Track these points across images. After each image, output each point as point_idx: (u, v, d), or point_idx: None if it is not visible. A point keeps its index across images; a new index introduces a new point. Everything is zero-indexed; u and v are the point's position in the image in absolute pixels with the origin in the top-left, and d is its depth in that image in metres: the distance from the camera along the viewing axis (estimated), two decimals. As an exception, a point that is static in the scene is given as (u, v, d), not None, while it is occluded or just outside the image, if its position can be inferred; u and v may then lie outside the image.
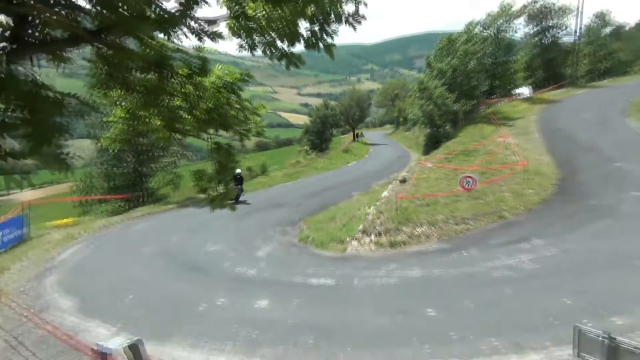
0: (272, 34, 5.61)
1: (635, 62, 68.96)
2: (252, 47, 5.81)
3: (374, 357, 8.57)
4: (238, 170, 27.42)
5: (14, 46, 4.05)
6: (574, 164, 24.40)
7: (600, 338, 5.17)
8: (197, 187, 6.04)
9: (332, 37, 5.55)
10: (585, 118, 34.35)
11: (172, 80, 5.62)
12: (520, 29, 69.34)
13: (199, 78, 5.85)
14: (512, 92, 52.36)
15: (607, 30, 69.31)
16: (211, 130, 6.06)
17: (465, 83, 42.97)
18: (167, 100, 5.86)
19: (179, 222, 23.88)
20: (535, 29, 61.09)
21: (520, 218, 18.74)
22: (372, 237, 18.99)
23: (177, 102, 5.97)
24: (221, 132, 6.29)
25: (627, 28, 79.25)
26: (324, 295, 12.70)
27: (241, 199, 28.59)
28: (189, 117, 5.95)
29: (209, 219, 21.78)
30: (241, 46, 5.87)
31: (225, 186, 5.89)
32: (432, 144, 41.32)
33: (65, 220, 24.42)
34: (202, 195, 5.92)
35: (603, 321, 9.10)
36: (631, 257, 12.84)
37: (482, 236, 17.40)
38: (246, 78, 6.49)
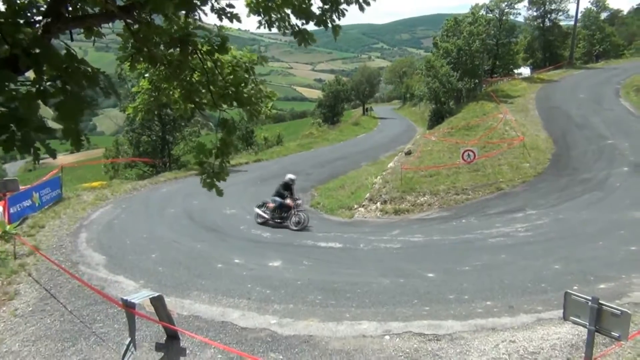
0: (288, 11, 5.47)
1: (628, 46, 67.27)
2: (269, 25, 5.67)
3: (376, 315, 8.55)
4: (290, 176, 17.37)
5: (52, 20, 3.98)
6: (569, 140, 23.99)
7: (587, 302, 5.08)
8: (195, 159, 5.92)
9: (340, 17, 5.38)
10: (580, 97, 33.66)
11: (194, 55, 5.51)
12: (522, 13, 67.65)
13: (219, 55, 5.72)
14: (513, 71, 51.36)
15: (603, 15, 67.62)
16: (225, 106, 5.94)
17: (469, 62, 42.18)
18: (188, 75, 5.78)
19: (200, 187, 23.90)
20: (536, 13, 59.60)
21: (517, 189, 18.54)
22: (378, 204, 18.93)
23: (197, 77, 5.87)
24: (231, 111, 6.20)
25: (621, 14, 77.33)
26: (332, 257, 12.70)
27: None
28: (206, 91, 5.84)
29: (228, 184, 21.77)
30: (260, 23, 5.72)
31: (221, 164, 5.76)
32: (436, 119, 40.79)
33: (96, 183, 24.52)
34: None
35: (590, 286, 9.00)
36: (617, 228, 12.66)
37: (480, 206, 17.26)
38: (261, 62, 6.35)
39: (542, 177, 19.50)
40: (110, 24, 4.89)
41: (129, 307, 7.24)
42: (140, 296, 7.67)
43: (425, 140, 27.44)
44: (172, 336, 8.07)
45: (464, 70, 41.70)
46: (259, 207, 17.01)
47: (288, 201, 16.50)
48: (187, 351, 7.73)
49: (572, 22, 58.27)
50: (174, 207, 19.53)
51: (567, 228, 13.36)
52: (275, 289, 10.11)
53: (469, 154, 20.47)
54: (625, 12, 79.54)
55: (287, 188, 16.87)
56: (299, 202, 16.91)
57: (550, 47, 59.83)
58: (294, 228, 16.01)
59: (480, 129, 26.85)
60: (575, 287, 8.65)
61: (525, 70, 55.39)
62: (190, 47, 5.33)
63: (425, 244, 13.45)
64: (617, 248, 11.19)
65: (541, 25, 59.75)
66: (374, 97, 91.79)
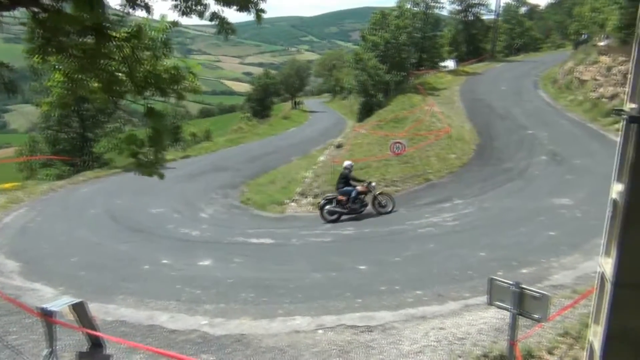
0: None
1: (546, 39, 71.41)
2: (187, 11, 5.50)
3: (309, 310, 8.61)
4: (346, 164, 16.53)
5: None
6: (492, 130, 25.14)
7: (509, 287, 5.35)
8: (127, 151, 5.69)
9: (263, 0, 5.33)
10: (502, 89, 35.37)
11: (110, 43, 5.27)
12: (446, 7, 70.02)
13: (137, 41, 5.51)
14: (439, 64, 53.12)
15: (523, 9, 71.50)
16: (148, 94, 5.73)
17: (397, 55, 43.13)
18: (105, 64, 5.52)
19: (124, 185, 23.02)
20: (459, 7, 61.95)
21: (444, 180, 19.22)
22: (310, 198, 19.02)
23: (116, 66, 5.63)
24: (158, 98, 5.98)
25: (539, 8, 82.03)
26: (263, 253, 12.65)
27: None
28: (127, 80, 5.61)
29: (154, 182, 21.15)
30: (176, 7, 5.55)
31: (156, 153, 5.59)
32: (366, 111, 41.47)
33: (7, 185, 23.06)
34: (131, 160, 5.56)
35: (513, 271, 9.50)
36: (537, 214, 13.42)
37: (409, 197, 17.75)
38: (170, 26, 6.11)
39: (468, 168, 20.33)
40: (13, 12, 4.60)
41: (46, 315, 6.87)
42: (60, 303, 7.29)
43: (355, 133, 27.87)
44: (96, 344, 7.74)
45: (392, 63, 42.62)
46: (327, 204, 15.89)
47: (359, 187, 15.86)
48: (113, 358, 7.45)
49: (494, 16, 61.22)
50: (96, 208, 18.73)
51: (491, 216, 14.02)
52: (206, 289, 9.95)
53: (398, 146, 21.01)
54: (542, 7, 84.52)
55: (348, 177, 16.07)
56: (373, 184, 16.33)
57: (474, 41, 62.41)
58: (384, 211, 15.69)
59: (408, 121, 27.59)
60: (500, 273, 9.10)
61: (450, 63, 57.40)
62: (104, 35, 5.11)
63: (356, 237, 13.69)
64: (537, 234, 11.88)
65: (464, 19, 62.18)
66: (303, 90, 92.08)
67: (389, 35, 42.62)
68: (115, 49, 5.33)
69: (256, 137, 45.04)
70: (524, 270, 9.59)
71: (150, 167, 5.54)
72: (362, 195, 15.92)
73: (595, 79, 26.80)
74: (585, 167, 17.55)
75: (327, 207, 15.84)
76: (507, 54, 62.80)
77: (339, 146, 25.79)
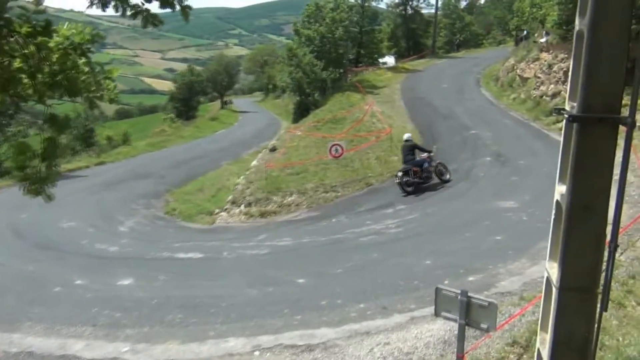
0: (125, -15, 5.18)
1: (486, 35, 74.56)
2: (103, 4, 5.32)
3: (244, 330, 8.54)
4: (405, 136, 19.07)
5: None
6: (435, 131, 25.87)
7: (456, 296, 5.52)
8: (14, 162, 5.34)
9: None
10: (444, 87, 36.53)
11: (10, 39, 5.00)
12: (384, -1, 71.31)
13: (43, 38, 5.25)
14: (378, 61, 54.19)
15: (462, 4, 74.53)
16: (55, 97, 5.48)
17: (333, 51, 43.61)
18: (5, 62, 5.23)
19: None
20: (397, 0, 63.45)
21: (386, 184, 19.59)
22: (242, 207, 18.90)
23: (17, 64, 5.34)
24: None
25: (479, 3, 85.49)
26: (192, 269, 12.44)
27: None
28: (30, 80, 5.33)
29: (65, 192, 20.28)
30: (91, 2, 5.35)
31: (48, 167, 5.30)
32: (302, 111, 41.66)
33: None
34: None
35: (460, 279, 9.83)
36: (483, 218, 13.95)
37: (350, 203, 17.98)
38: (97, 39, 5.93)
39: (411, 170, 20.88)
40: None
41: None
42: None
43: (290, 135, 27.94)
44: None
45: (328, 59, 43.03)
46: (404, 175, 17.66)
47: (425, 155, 18.20)
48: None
49: (433, 11, 63.23)
50: (-5, 224, 17.78)
51: (435, 221, 14.44)
52: (127, 311, 9.65)
53: (336, 149, 21.23)
54: (482, 2, 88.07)
55: (413, 148, 18.24)
56: (432, 154, 18.56)
57: (414, 36, 64.11)
58: (444, 179, 18.11)
59: (347, 121, 27.97)
60: (446, 282, 9.39)
61: (390, 60, 58.63)
62: (4, 29, 4.86)
63: (294, 248, 13.72)
64: (483, 239, 12.34)
65: (403, 12, 63.76)
66: (233, 88, 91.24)
67: (324, 29, 43.00)
68: (17, 45, 5.07)
69: (181, 140, 44.30)
70: (471, 278, 9.93)
71: (38, 184, 5.21)
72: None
73: (537, 77, 28.14)
74: (529, 167, 18.41)
75: (405, 179, 17.68)
76: (448, 50, 64.97)
77: (273, 149, 25.77)
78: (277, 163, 22.29)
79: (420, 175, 17.86)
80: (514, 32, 51.94)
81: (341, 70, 45.43)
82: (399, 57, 60.50)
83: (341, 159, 21.28)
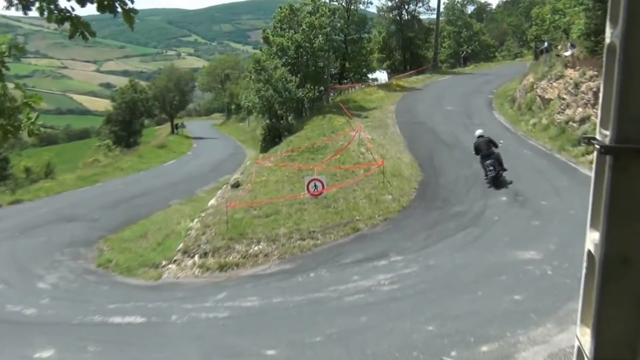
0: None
1: (499, 47, 76.14)
2: (25, 6, 5.37)
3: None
4: (478, 133, 24.06)
5: None
6: (437, 163, 26.17)
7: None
8: None
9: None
10: (448, 109, 37.09)
11: None
12: (374, 2, 72.50)
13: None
14: (367, 76, 54.91)
15: (470, 9, 75.96)
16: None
17: (312, 64, 44.10)
18: None
19: None
20: (391, 3, 64.13)
21: (378, 229, 19.64)
22: (196, 258, 18.73)
23: None
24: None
25: (489, 8, 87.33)
26: (131, 337, 12.23)
27: None
28: None
29: (-32, 240, 20.04)
30: (10, 3, 5.40)
31: None
32: (272, 138, 41.82)
33: None
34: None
35: (470, 349, 9.79)
36: (497, 272, 14.01)
37: (333, 253, 17.94)
38: (15, 53, 5.96)
39: (408, 212, 20.94)
40: None
41: None
42: None
43: (258, 167, 27.95)
44: None
45: (306, 74, 43.48)
46: (489, 164, 22.24)
47: (497, 150, 22.86)
48: None
49: (435, 16, 64.27)
50: None
51: (439, 277, 14.45)
52: (46, 394, 9.44)
53: (315, 185, 21.27)
54: (493, 7, 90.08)
55: (490, 142, 23.12)
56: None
57: (411, 46, 64.88)
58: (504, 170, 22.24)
59: (328, 150, 28.12)
60: (453, 353, 9.35)
61: (381, 75, 59.56)
62: None
63: (262, 310, 13.58)
64: (498, 298, 12.34)
65: (398, 18, 64.43)
66: (186, 109, 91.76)
67: (300, 36, 43.49)
68: None
69: (119, 174, 44.04)
70: (484, 348, 9.89)
71: None
72: None
73: (562, 98, 28.59)
74: (554, 209, 18.59)
75: (493, 167, 22.14)
76: (452, 64, 66.21)
77: (236, 185, 25.74)
78: (240, 202, 22.25)
79: (502, 165, 22.42)
80: (532, 44, 53.04)
81: (321, 88, 45.90)
82: (393, 72, 61.40)
83: (321, 198, 21.33)
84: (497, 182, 22.42)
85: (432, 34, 64.01)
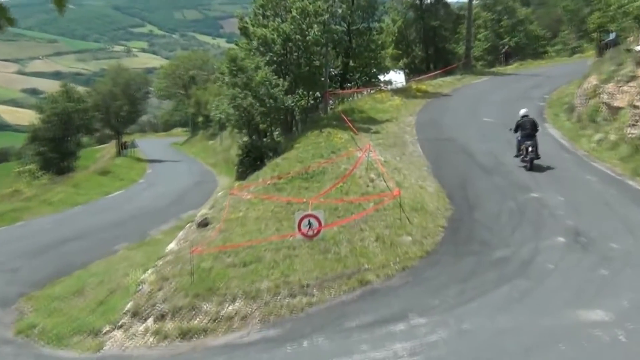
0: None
1: (552, 39, 76.33)
2: None
3: None
4: (522, 112, 30.70)
5: None
6: (472, 193, 26.11)
7: None
8: None
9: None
10: (485, 121, 37.15)
11: None
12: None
13: None
14: (377, 78, 55.04)
15: (513, -10, 76.04)
16: None
17: (305, 62, 44.18)
18: None
19: None
20: (409, -19, 64.54)
21: (393, 282, 19.49)
22: (150, 322, 18.61)
23: None
24: None
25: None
26: None
27: None
28: None
29: None
30: None
31: None
32: (252, 160, 41.80)
33: None
34: None
35: None
36: (554, 339, 13.84)
37: (333, 314, 17.79)
38: None
39: (434, 259, 20.77)
40: None
41: None
42: None
43: (233, 199, 27.89)
44: None
45: (297, 75, 43.59)
46: (530, 144, 28.51)
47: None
48: None
49: (466, -1, 64.58)
50: None
51: (476, 346, 14.28)
52: None
53: (310, 223, 21.15)
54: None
55: (535, 124, 29.62)
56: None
57: (435, 39, 65.19)
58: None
59: (327, 177, 28.07)
60: None
61: (397, 77, 59.68)
62: None
63: (239, 393, 13.44)
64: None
65: (418, 1, 64.65)
66: (137, 122, 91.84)
67: (289, 26, 43.61)
68: None
69: (48, 209, 43.93)
70: None
71: None
72: None
73: (635, 106, 28.41)
74: (628, 254, 18.46)
75: (530, 141, 28.67)
76: (490, 62, 66.49)
77: (203, 224, 25.70)
78: (210, 246, 22.15)
79: (536, 156, 28.35)
80: (594, 35, 53.09)
81: (318, 94, 46.02)
82: (412, 72, 61.74)
83: (318, 240, 21.23)
84: (534, 167, 28.11)
85: (463, 22, 64.27)
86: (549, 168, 27.97)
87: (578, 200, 23.72)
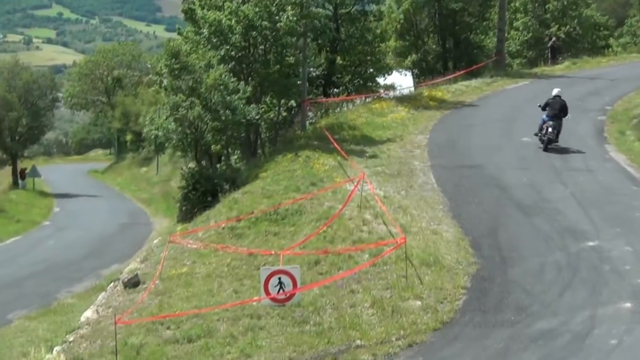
0: None
1: (617, 28, 76.81)
2: None
3: None
4: (556, 91, 38.27)
5: None
6: (506, 242, 26.16)
7: None
8: None
9: None
10: (526, 143, 37.36)
11: None
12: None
13: None
14: (375, 82, 55.24)
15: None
16: None
17: (274, 59, 44.25)
18: None
19: None
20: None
21: (398, 364, 19.58)
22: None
23: None
24: None
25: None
26: None
27: None
28: None
29: None
30: None
31: None
32: (201, 195, 41.75)
33: None
34: None
35: None
36: None
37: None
38: None
39: (452, 332, 20.83)
40: None
41: None
42: None
43: (175, 249, 27.93)
44: None
45: (264, 77, 43.69)
46: (552, 125, 35.78)
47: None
48: None
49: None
50: None
51: None
52: None
53: (281, 282, 21.26)
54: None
55: (564, 107, 36.66)
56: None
57: (455, 28, 65.43)
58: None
59: (305, 219, 28.17)
60: None
61: (402, 80, 59.91)
62: None
63: None
64: None
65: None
66: (41, 141, 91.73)
67: (253, 9, 43.66)
68: None
69: None
70: None
71: None
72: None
73: None
74: None
75: (551, 136, 35.58)
76: (532, 60, 66.82)
77: (133, 283, 25.71)
78: (142, 315, 22.18)
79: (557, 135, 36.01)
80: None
81: (293, 104, 46.16)
82: (424, 73, 61.92)
83: (292, 306, 21.31)
84: (549, 148, 35.53)
85: (494, 4, 64.49)
86: (611, 205, 28.03)
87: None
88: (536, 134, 36.83)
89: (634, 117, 38.31)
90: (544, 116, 36.67)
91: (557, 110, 36.06)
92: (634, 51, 66.93)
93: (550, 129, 35.38)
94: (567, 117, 36.52)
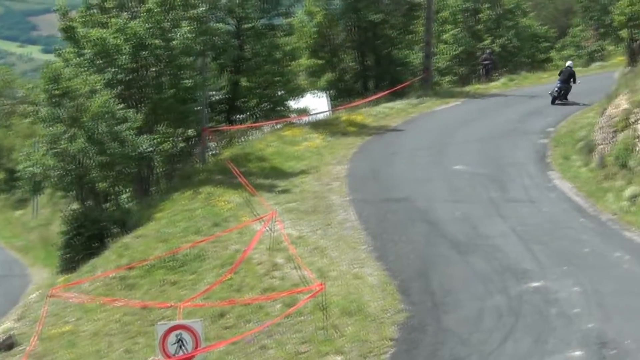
0: None
1: (557, 40, 77.99)
2: None
3: None
4: (569, 64, 58.34)
5: None
6: (438, 285, 26.28)
7: None
8: None
9: None
10: (456, 170, 37.65)
11: None
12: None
13: None
14: (285, 106, 55.46)
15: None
16: None
17: (169, 83, 44.11)
18: None
19: None
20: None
21: None
22: None
23: None
24: None
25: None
26: None
27: None
28: None
29: None
30: None
31: None
32: (86, 241, 41.50)
33: None
34: None
35: None
36: None
37: None
38: None
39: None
40: None
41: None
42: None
43: (56, 304, 27.71)
44: None
45: (158, 103, 43.57)
46: (559, 87, 55.51)
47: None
48: None
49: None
50: None
51: None
52: None
53: (181, 340, 21.20)
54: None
55: (572, 76, 58.02)
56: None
57: (376, 43, 65.86)
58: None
59: (207, 265, 28.12)
60: None
61: (318, 102, 60.13)
62: None
63: None
64: None
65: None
66: None
67: (143, 26, 43.54)
68: None
69: None
70: None
71: None
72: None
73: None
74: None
75: (559, 84, 56.90)
76: (463, 77, 67.60)
77: (6, 345, 25.48)
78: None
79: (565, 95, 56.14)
80: (623, 33, 54.64)
81: (191, 133, 46.09)
82: (342, 95, 62.15)
83: (193, 366, 21.24)
84: (554, 102, 50.14)
85: (419, 17, 64.97)
86: (556, 240, 28.18)
87: (602, 291, 24.04)
88: (551, 93, 53.62)
89: (579, 139, 38.65)
90: (557, 81, 54.71)
91: (565, 77, 54.81)
92: (578, 65, 67.80)
93: (556, 89, 53.37)
94: (575, 82, 54.03)
